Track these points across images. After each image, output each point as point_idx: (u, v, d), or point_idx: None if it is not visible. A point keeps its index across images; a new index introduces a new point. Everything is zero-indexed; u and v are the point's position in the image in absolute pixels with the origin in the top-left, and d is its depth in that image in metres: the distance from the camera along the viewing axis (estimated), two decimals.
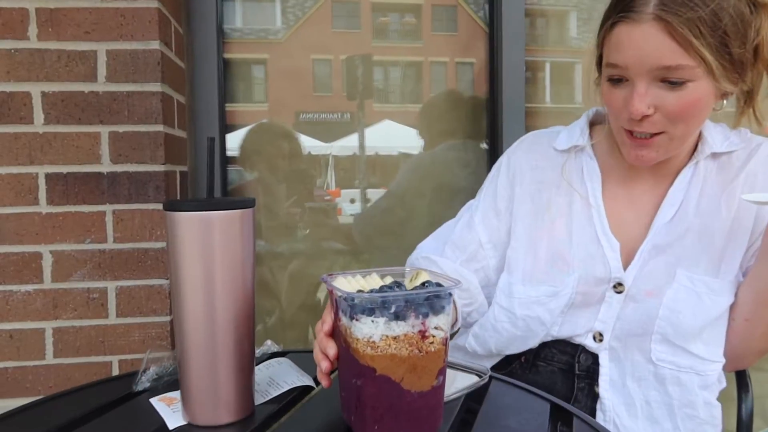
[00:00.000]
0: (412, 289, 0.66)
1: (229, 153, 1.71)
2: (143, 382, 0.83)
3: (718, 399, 1.00)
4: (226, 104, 1.66)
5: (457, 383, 0.83)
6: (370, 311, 0.62)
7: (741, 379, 1.09)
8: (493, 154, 1.77)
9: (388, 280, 0.71)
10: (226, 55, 1.67)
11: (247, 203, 0.72)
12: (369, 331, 0.62)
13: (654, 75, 0.85)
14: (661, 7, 0.82)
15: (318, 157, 1.82)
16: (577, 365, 1.02)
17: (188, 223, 0.69)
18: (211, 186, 0.73)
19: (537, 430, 0.70)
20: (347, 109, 1.82)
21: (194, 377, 0.72)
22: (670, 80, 0.85)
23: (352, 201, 1.86)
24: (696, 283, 0.95)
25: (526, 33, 1.74)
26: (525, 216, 1.06)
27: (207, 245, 0.69)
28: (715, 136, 0.98)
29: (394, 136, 1.85)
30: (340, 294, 0.64)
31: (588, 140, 1.05)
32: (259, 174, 1.78)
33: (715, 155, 0.98)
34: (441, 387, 0.66)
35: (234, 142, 1.72)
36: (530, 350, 1.05)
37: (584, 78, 1.06)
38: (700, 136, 0.99)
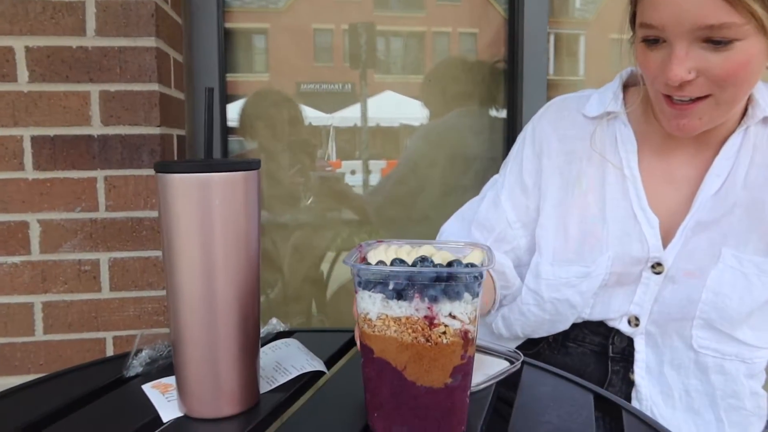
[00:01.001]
0: (415, 266, 0.56)
1: (229, 124, 1.65)
2: (135, 367, 0.75)
3: (764, 387, 0.92)
4: (227, 74, 1.57)
5: (486, 369, 0.74)
6: (367, 284, 0.55)
7: None
8: (512, 122, 1.68)
9: (442, 254, 0.61)
10: (227, 25, 1.59)
11: (252, 164, 0.63)
12: (366, 306, 0.56)
13: (695, 35, 0.74)
14: None
15: (319, 127, 1.78)
16: (611, 347, 0.94)
17: (183, 186, 0.59)
18: (209, 144, 0.63)
19: (584, 427, 0.62)
20: (348, 79, 1.77)
21: (191, 365, 0.63)
22: (714, 40, 0.73)
23: (353, 172, 1.82)
24: (744, 263, 0.85)
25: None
26: (554, 191, 0.95)
27: (205, 212, 0.60)
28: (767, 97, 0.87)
29: (395, 107, 1.79)
30: (345, 261, 0.57)
31: (622, 106, 0.94)
32: (260, 142, 1.69)
33: (766, 120, 0.87)
34: (459, 389, 0.55)
35: (234, 110, 1.66)
36: None
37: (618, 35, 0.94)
38: (750, 98, 0.88)
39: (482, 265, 0.55)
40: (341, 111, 1.77)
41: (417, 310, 0.53)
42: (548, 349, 0.98)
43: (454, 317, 0.53)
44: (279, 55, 1.70)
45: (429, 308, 0.53)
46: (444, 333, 0.53)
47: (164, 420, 0.63)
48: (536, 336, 0.97)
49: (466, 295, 0.52)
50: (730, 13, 0.71)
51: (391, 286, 0.54)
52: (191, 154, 1.46)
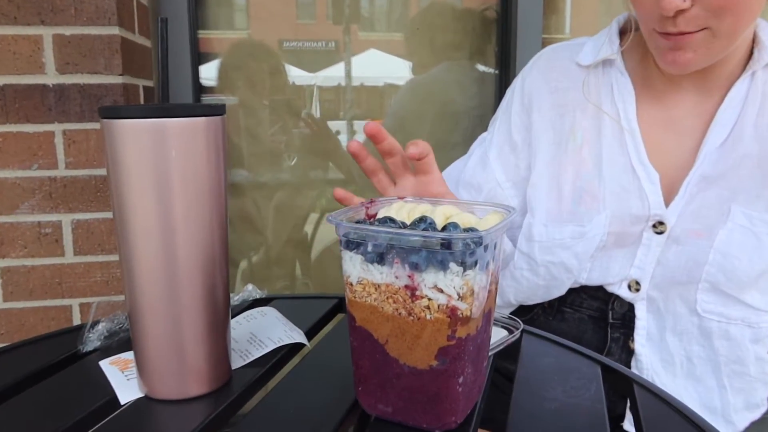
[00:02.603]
0: (399, 226, 0.49)
1: (208, 82, 1.57)
2: (92, 341, 0.67)
3: None
4: (200, 30, 1.46)
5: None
6: (348, 244, 0.48)
7: None
8: (504, 76, 1.59)
9: (463, 216, 0.53)
10: None
11: (215, 109, 0.54)
12: (347, 268, 0.50)
13: None
14: None
15: (302, 87, 1.72)
16: (611, 312, 0.88)
17: (134, 134, 0.50)
18: (165, 85, 0.54)
19: (593, 402, 0.55)
20: (332, 37, 1.71)
21: (151, 340, 0.55)
22: None
23: (338, 133, 1.77)
24: (755, 221, 0.78)
25: None
26: (546, 147, 0.88)
27: (160, 165, 0.51)
28: None
29: (380, 66, 1.73)
30: (328, 217, 0.50)
31: (618, 51, 0.85)
32: (240, 98, 1.59)
33: None
34: (447, 375, 0.48)
35: (211, 70, 1.57)
36: None
37: None
38: (755, 39, 0.80)
39: (489, 230, 0.47)
40: (325, 70, 1.71)
41: (397, 277, 0.46)
42: (543, 314, 0.91)
43: (440, 290, 0.45)
44: (260, 12, 1.61)
45: (410, 277, 0.45)
46: (427, 307, 0.46)
47: (122, 402, 0.56)
48: (530, 303, 0.90)
49: (453, 266, 0.44)
50: None
51: (369, 248, 0.46)
52: None
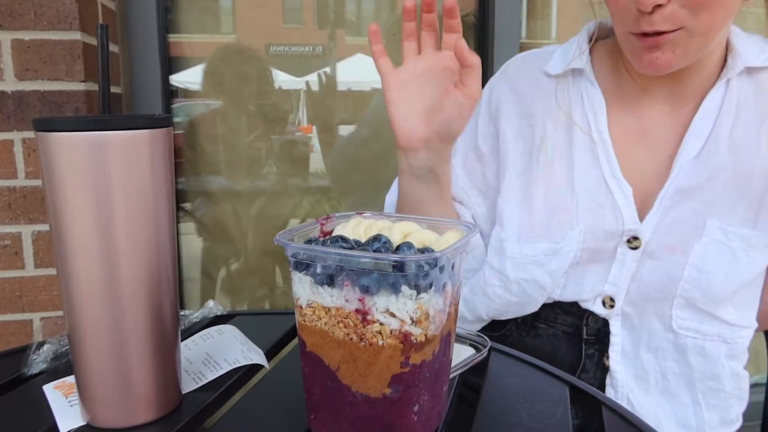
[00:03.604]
0: (350, 246, 0.46)
1: (193, 87, 1.55)
2: (37, 363, 0.63)
3: (746, 368, 0.85)
4: (175, 34, 1.46)
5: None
6: (297, 265, 0.46)
7: None
8: (482, 82, 1.58)
9: (423, 234, 0.50)
10: None
11: (160, 121, 0.51)
12: (296, 290, 0.47)
13: None
14: None
15: (289, 91, 1.70)
16: (585, 328, 0.85)
17: (70, 148, 0.48)
18: (105, 96, 0.51)
19: (557, 428, 0.53)
20: (319, 42, 1.70)
21: (93, 365, 0.52)
22: None
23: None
24: (730, 236, 0.77)
25: None
26: (516, 157, 0.85)
27: (99, 181, 0.48)
28: (749, 46, 0.78)
29: (366, 71, 1.69)
30: (276, 238, 0.47)
31: (588, 60, 0.83)
32: (225, 104, 1.57)
33: (750, 71, 0.78)
34: (401, 403, 0.45)
35: (196, 74, 1.55)
36: None
37: None
38: (728, 47, 0.78)
39: (445, 250, 0.44)
40: (311, 74, 1.69)
41: (348, 300, 0.44)
42: (516, 330, 0.89)
43: (392, 315, 0.43)
44: (246, 16, 1.59)
45: (361, 300, 0.43)
46: (379, 332, 0.43)
47: (62, 430, 0.53)
48: (503, 318, 0.88)
49: (405, 289, 0.42)
50: None
51: (319, 270, 0.44)
52: (130, 113, 1.32)
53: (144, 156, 0.49)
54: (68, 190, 0.48)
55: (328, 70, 1.68)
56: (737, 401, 0.84)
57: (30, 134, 1.05)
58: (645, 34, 0.70)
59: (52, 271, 1.10)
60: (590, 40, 0.86)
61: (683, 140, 0.79)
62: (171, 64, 1.45)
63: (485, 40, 1.57)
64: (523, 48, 1.61)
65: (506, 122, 0.86)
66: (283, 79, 1.67)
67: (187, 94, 1.58)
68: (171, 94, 1.45)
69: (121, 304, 0.51)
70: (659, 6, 0.67)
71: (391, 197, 0.93)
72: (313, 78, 1.69)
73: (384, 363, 0.44)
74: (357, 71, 1.70)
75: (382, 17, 1.71)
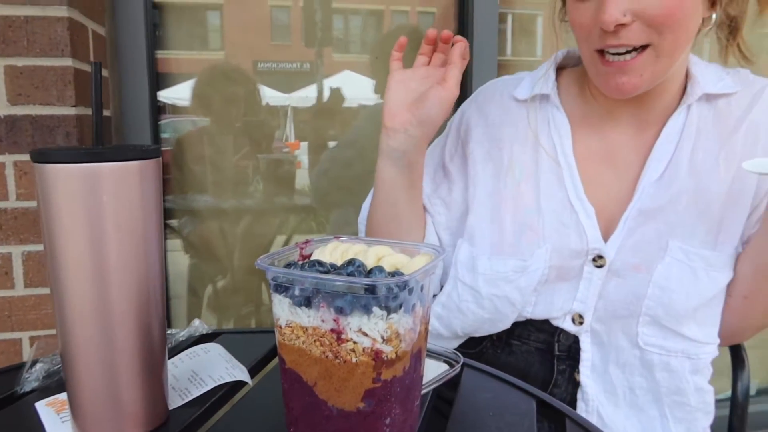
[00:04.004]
0: (326, 270, 0.50)
1: (182, 103, 1.57)
2: (30, 382, 0.66)
3: (711, 382, 0.88)
4: (163, 51, 1.49)
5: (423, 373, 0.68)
6: (277, 287, 0.49)
7: (736, 354, 0.99)
8: (462, 99, 1.63)
9: (395, 257, 0.54)
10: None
11: (149, 152, 0.54)
12: (276, 311, 0.51)
13: None
14: None
15: (276, 108, 1.72)
16: (556, 345, 0.89)
17: (64, 179, 0.51)
18: (98, 129, 0.54)
19: None
20: (306, 58, 1.72)
21: (84, 383, 0.55)
22: None
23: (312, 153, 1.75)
24: (691, 256, 0.81)
25: None
26: (485, 179, 0.89)
27: (92, 209, 0.51)
28: (708, 74, 0.83)
29: (354, 87, 1.74)
30: (258, 262, 0.51)
31: (554, 86, 0.88)
32: (211, 122, 1.61)
33: (709, 98, 0.83)
34: (374, 416, 0.48)
35: (185, 90, 1.57)
36: None
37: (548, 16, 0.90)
38: (688, 74, 0.83)
39: (414, 274, 0.48)
40: (299, 91, 1.72)
41: (323, 321, 0.47)
42: (492, 347, 0.92)
43: (364, 334, 0.46)
44: (234, 33, 1.62)
45: (335, 320, 0.46)
46: (353, 350, 0.47)
47: None
48: (478, 335, 0.91)
49: (376, 310, 0.46)
50: None
51: (297, 292, 0.47)
52: (118, 138, 1.35)
53: (134, 185, 0.53)
54: (63, 216, 0.51)
55: (315, 86, 1.72)
56: (703, 414, 0.88)
57: (21, 157, 1.08)
58: (606, 53, 0.75)
59: (41, 291, 1.13)
60: (559, 68, 0.91)
61: (646, 163, 0.83)
62: (159, 80, 1.48)
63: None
64: (500, 65, 1.67)
65: (475, 145, 0.90)
66: (270, 96, 1.69)
67: (175, 110, 1.60)
68: (159, 110, 1.48)
69: (111, 324, 0.54)
70: (623, 25, 0.72)
71: (366, 203, 0.99)
72: (300, 94, 1.72)
73: (357, 379, 0.47)
74: (344, 88, 1.74)
75: (369, 35, 1.75)
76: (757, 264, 0.81)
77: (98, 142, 0.54)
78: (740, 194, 0.81)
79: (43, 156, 0.51)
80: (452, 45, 0.85)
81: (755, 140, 0.81)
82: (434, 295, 0.94)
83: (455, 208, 0.93)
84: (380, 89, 1.72)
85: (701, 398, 0.86)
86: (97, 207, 0.51)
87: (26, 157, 1.08)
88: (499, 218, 0.87)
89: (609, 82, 0.77)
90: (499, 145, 0.89)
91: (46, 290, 1.13)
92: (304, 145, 1.77)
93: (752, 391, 1.97)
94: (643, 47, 0.74)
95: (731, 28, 0.79)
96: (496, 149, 0.89)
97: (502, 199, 0.87)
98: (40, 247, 1.11)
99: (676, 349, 0.83)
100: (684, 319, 0.82)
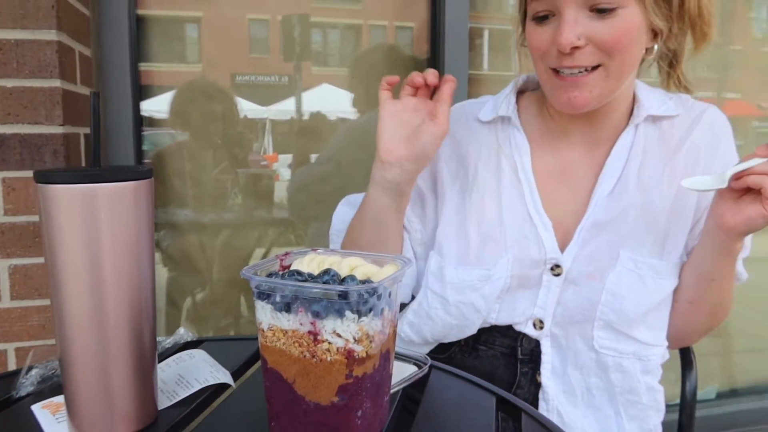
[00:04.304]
0: (304, 278, 0.56)
1: (158, 115, 1.59)
2: (25, 386, 0.70)
3: (661, 381, 0.96)
4: (144, 63, 1.52)
5: (393, 374, 0.74)
6: (260, 294, 0.55)
7: (685, 357, 1.06)
8: None
9: (367, 267, 0.60)
10: (154, 12, 1.53)
11: (142, 173, 0.60)
12: (259, 315, 0.57)
13: (582, 1, 0.78)
14: None
15: (254, 120, 1.74)
16: (519, 349, 0.96)
17: (66, 198, 0.56)
18: (96, 152, 0.60)
19: (483, 430, 0.63)
20: (284, 71, 1.74)
21: (81, 385, 0.59)
22: (599, 7, 0.78)
23: (290, 166, 1.79)
24: (640, 265, 0.89)
25: None
26: (452, 195, 0.96)
27: (90, 226, 0.56)
28: (652, 98, 0.91)
29: (332, 100, 1.78)
30: (243, 271, 0.57)
31: (514, 109, 0.96)
32: (190, 137, 1.64)
33: (654, 120, 0.91)
34: (347, 409, 0.54)
35: (162, 103, 1.59)
36: None
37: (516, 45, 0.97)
38: (634, 98, 0.91)
39: (382, 281, 0.54)
40: (277, 104, 1.75)
41: (302, 324, 0.53)
42: (460, 352, 0.99)
43: (338, 335, 0.52)
44: (212, 45, 1.64)
45: (312, 323, 0.52)
46: (328, 350, 0.53)
47: None
48: (447, 341, 0.98)
49: (349, 313, 0.52)
50: None
51: (278, 298, 0.53)
52: (104, 154, 1.39)
53: (129, 204, 0.58)
54: (64, 233, 0.56)
55: (293, 99, 1.75)
56: (654, 412, 0.95)
57: (9, 174, 1.12)
58: (560, 70, 0.82)
59: (26, 303, 1.16)
60: (519, 92, 0.99)
61: (598, 179, 0.91)
62: (141, 92, 1.52)
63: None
64: (476, 79, 1.75)
65: (443, 164, 0.97)
66: (248, 108, 1.70)
67: (152, 122, 1.60)
68: (142, 121, 1.51)
69: (107, 331, 0.59)
70: (577, 47, 0.79)
71: (336, 215, 1.05)
72: (278, 107, 1.75)
73: (332, 376, 0.53)
74: (323, 101, 1.77)
75: (347, 49, 1.79)
76: (700, 272, 0.89)
77: (96, 164, 0.60)
78: (683, 209, 0.89)
79: (45, 177, 0.56)
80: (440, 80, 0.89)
81: (696, 161, 0.89)
82: (406, 304, 1.01)
83: (429, 223, 1.00)
84: (358, 103, 1.77)
85: (652, 397, 0.93)
86: (95, 224, 0.57)
87: (14, 173, 1.12)
88: (464, 231, 0.94)
89: (561, 97, 0.84)
90: (464, 164, 0.96)
91: (31, 302, 1.16)
92: (282, 157, 1.80)
93: (713, 395, 2.07)
94: (594, 67, 0.81)
95: (671, 60, 0.88)
96: (462, 167, 0.96)
97: (467, 213, 0.94)
98: (26, 261, 1.15)
99: (628, 351, 0.90)
100: (634, 323, 0.89)
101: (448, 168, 0.97)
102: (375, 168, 0.90)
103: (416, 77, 0.87)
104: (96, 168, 0.60)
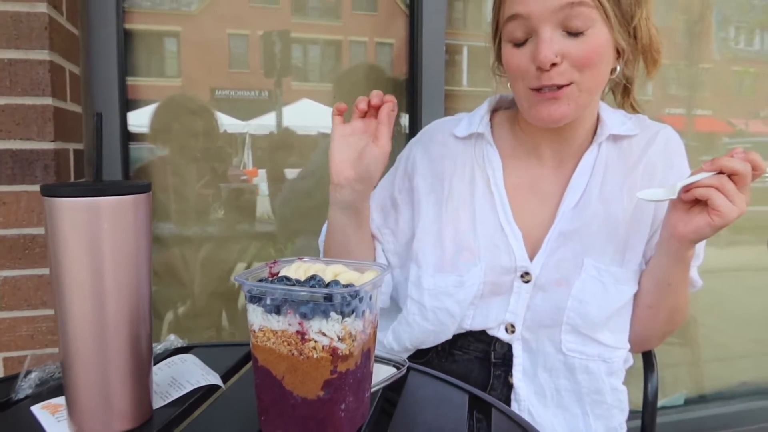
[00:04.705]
0: (292, 283, 0.61)
1: (138, 129, 1.60)
2: (24, 389, 0.74)
3: (624, 382, 1.02)
4: (128, 77, 1.54)
5: (374, 375, 0.79)
6: (252, 298, 0.60)
7: (647, 359, 1.13)
8: (413, 135, 1.75)
9: (349, 274, 0.65)
10: (135, 26, 1.55)
11: (142, 187, 0.65)
12: (251, 318, 0.61)
13: (557, 19, 0.85)
14: None
15: (234, 135, 1.75)
16: (492, 353, 1.01)
17: (71, 211, 0.61)
18: (99, 168, 0.65)
19: (455, 423, 0.68)
20: (264, 86, 1.76)
21: (82, 385, 0.64)
22: (570, 30, 0.86)
23: (270, 180, 1.80)
24: (602, 272, 0.95)
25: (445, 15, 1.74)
26: (428, 208, 1.03)
27: (94, 236, 0.61)
28: (613, 118, 0.99)
29: (312, 115, 1.80)
30: (236, 277, 0.62)
31: (487, 127, 1.03)
32: (171, 151, 1.67)
33: (615, 139, 0.99)
34: (331, 402, 0.60)
35: (143, 117, 1.61)
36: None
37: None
38: (598, 118, 0.99)
39: (364, 285, 0.60)
40: (257, 118, 1.77)
41: (290, 324, 0.58)
42: (437, 357, 1.04)
43: (324, 334, 0.57)
44: (191, 60, 1.66)
45: (300, 324, 0.58)
46: (314, 348, 0.58)
47: None
48: (424, 347, 1.03)
49: (333, 314, 0.57)
50: None
51: (268, 301, 0.58)
52: (90, 168, 1.43)
53: (129, 216, 0.63)
54: (68, 243, 0.61)
55: (273, 114, 1.77)
56: (618, 411, 1.01)
57: (1, 188, 1.15)
58: (542, 89, 0.89)
59: (15, 314, 1.19)
60: (493, 110, 1.06)
61: (564, 193, 0.98)
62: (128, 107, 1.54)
63: (415, 92, 1.74)
64: (455, 95, 1.81)
65: (420, 178, 1.04)
66: (228, 123, 1.71)
67: (132, 137, 1.59)
68: (129, 137, 1.54)
69: (106, 334, 0.63)
70: (554, 64, 0.86)
71: (321, 236, 1.11)
72: (258, 122, 1.76)
73: (318, 371, 0.59)
74: (302, 115, 1.79)
75: (327, 64, 1.82)
76: (657, 278, 0.96)
77: (98, 179, 0.65)
78: (641, 220, 0.97)
79: (51, 191, 0.61)
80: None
81: (652, 176, 0.97)
82: (384, 308, 1.07)
83: (402, 235, 1.06)
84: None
85: (616, 397, 1.00)
86: (98, 234, 0.61)
87: (6, 188, 1.16)
88: (440, 240, 1.00)
89: (542, 112, 0.91)
90: (440, 177, 1.02)
91: (20, 313, 1.19)
92: (262, 172, 1.82)
93: (681, 401, 2.15)
94: (568, 84, 0.88)
95: (625, 88, 0.97)
96: (438, 181, 1.03)
97: (443, 224, 1.00)
98: (15, 273, 1.18)
99: (594, 353, 0.97)
100: (599, 327, 0.95)
101: (424, 182, 1.03)
102: (330, 190, 0.98)
103: (360, 103, 0.93)
104: (98, 182, 0.64)
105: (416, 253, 1.02)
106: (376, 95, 0.92)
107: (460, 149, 1.03)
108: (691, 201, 0.86)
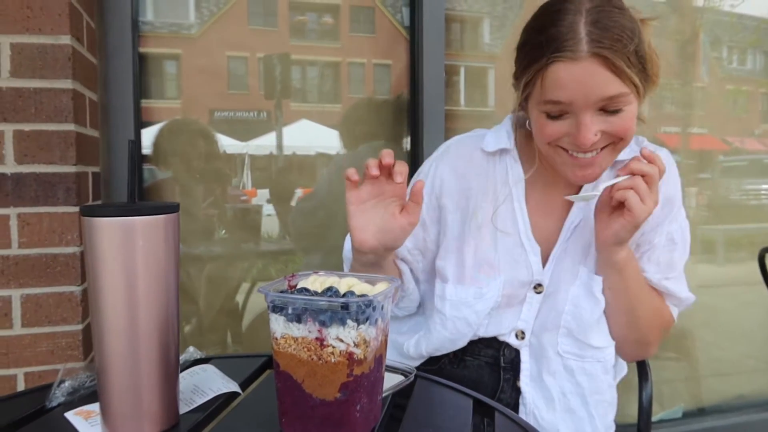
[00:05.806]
0: (311, 294, 0.67)
1: (143, 151, 1.65)
2: (57, 397, 0.79)
3: (618, 394, 1.09)
4: (142, 100, 1.60)
5: (384, 383, 0.85)
6: (274, 308, 0.66)
7: (641, 369, 1.18)
8: (414, 154, 1.81)
9: (362, 286, 0.70)
10: (141, 50, 1.61)
11: (171, 208, 0.71)
12: (273, 326, 0.66)
13: (596, 106, 0.89)
14: (596, 44, 0.85)
15: (234, 156, 1.80)
16: (502, 358, 1.07)
17: (108, 229, 0.67)
18: (132, 190, 0.71)
19: (461, 427, 0.73)
20: (264, 107, 1.80)
21: (116, 389, 0.69)
22: (608, 109, 0.89)
23: (269, 201, 1.85)
24: (592, 278, 1.03)
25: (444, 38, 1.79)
26: (454, 225, 1.07)
27: (129, 253, 0.67)
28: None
29: (311, 136, 1.85)
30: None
31: (514, 144, 1.07)
32: (174, 173, 1.72)
33: (614, 164, 1.04)
34: (348, 404, 0.64)
35: (147, 139, 1.66)
36: None
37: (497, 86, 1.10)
38: None
39: (376, 295, 0.66)
40: (256, 139, 1.80)
41: (310, 332, 0.64)
42: (448, 364, 1.11)
43: (341, 340, 0.63)
44: (192, 82, 1.70)
45: (319, 331, 0.63)
46: (332, 353, 0.63)
47: None
48: (438, 354, 1.09)
49: (349, 322, 0.63)
50: (621, 85, 0.88)
51: (290, 311, 0.64)
52: (106, 190, 1.49)
53: (161, 234, 0.69)
54: (106, 259, 0.67)
55: (273, 135, 1.80)
56: (612, 408, 1.08)
57: (24, 209, 1.21)
58: (574, 154, 0.93)
59: (36, 330, 1.24)
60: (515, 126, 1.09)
61: (569, 213, 1.05)
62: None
63: (416, 111, 1.79)
64: (454, 114, 1.85)
65: (448, 197, 1.08)
66: (228, 144, 1.75)
67: (148, 159, 1.64)
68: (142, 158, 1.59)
69: (139, 345, 0.69)
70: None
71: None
72: (257, 143, 1.80)
73: (336, 375, 0.64)
74: (302, 136, 1.83)
75: (326, 85, 1.86)
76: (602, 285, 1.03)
77: (132, 200, 0.71)
78: None
79: (91, 211, 0.67)
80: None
81: None
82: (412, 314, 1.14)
83: (429, 253, 1.12)
84: (342, 141, 1.87)
85: (612, 394, 1.07)
86: (133, 251, 0.67)
87: (29, 209, 1.22)
88: (461, 255, 1.05)
89: (576, 173, 0.96)
90: (467, 195, 1.07)
91: (41, 329, 1.24)
92: (261, 192, 1.86)
93: (679, 414, 2.19)
94: (603, 147, 0.93)
95: None
96: (464, 198, 1.07)
97: (465, 240, 1.06)
98: (37, 291, 1.24)
99: (588, 355, 1.03)
100: (589, 328, 1.02)
101: (451, 201, 1.08)
102: (353, 250, 0.96)
103: (372, 169, 0.88)
104: (133, 203, 0.70)
105: (439, 269, 1.08)
106: (387, 154, 0.88)
107: (485, 165, 1.07)
108: (612, 207, 0.94)
